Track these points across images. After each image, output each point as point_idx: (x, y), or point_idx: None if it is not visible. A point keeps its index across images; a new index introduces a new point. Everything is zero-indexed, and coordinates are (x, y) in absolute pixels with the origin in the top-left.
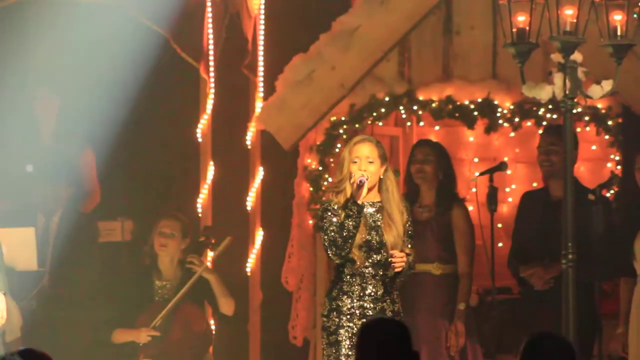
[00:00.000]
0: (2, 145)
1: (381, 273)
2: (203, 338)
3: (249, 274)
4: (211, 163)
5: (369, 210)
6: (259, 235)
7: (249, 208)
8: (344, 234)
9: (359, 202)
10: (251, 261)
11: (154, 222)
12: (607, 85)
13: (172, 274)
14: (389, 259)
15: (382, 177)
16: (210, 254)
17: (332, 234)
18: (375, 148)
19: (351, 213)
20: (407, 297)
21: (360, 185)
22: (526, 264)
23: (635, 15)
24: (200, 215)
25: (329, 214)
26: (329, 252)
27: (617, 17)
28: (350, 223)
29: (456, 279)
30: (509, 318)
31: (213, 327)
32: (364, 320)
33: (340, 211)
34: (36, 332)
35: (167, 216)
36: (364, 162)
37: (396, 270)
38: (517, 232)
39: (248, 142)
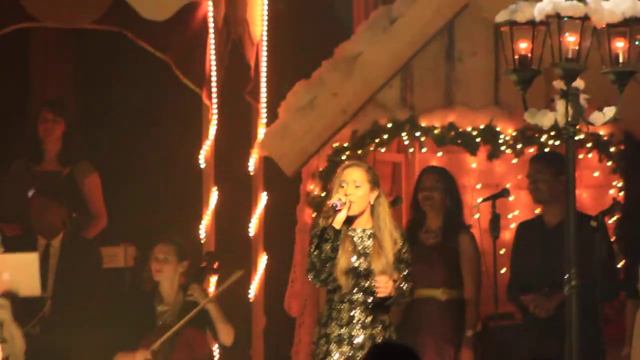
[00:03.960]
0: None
1: (370, 300)
2: None
3: (251, 299)
4: (214, 189)
5: (359, 235)
6: (262, 261)
7: (251, 234)
8: (322, 257)
9: (336, 226)
10: (254, 287)
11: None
12: (609, 112)
13: (174, 299)
14: (372, 283)
15: (372, 203)
16: (213, 280)
17: (313, 257)
18: (365, 173)
19: (327, 237)
20: (413, 322)
21: (334, 209)
22: (526, 293)
23: (637, 43)
24: (202, 240)
25: (314, 239)
26: (308, 276)
27: (619, 45)
28: (327, 247)
29: (462, 304)
30: (511, 344)
31: (216, 352)
32: (353, 347)
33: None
34: (40, 358)
35: (161, 241)
36: (350, 186)
37: (379, 295)
38: (514, 262)
39: (251, 168)
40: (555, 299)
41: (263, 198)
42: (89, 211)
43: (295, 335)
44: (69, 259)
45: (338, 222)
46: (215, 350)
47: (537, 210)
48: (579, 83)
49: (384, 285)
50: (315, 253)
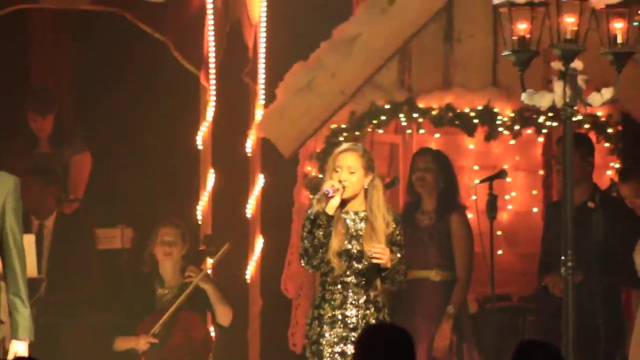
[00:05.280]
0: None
1: (363, 282)
2: (202, 345)
3: (248, 281)
4: (211, 170)
5: (352, 218)
6: (259, 242)
7: (248, 215)
8: (315, 243)
9: (330, 212)
10: (251, 268)
11: (152, 230)
12: (607, 93)
13: (175, 282)
14: (370, 250)
15: (366, 187)
16: (210, 262)
17: (305, 244)
18: (360, 158)
19: (320, 223)
20: (405, 303)
21: (327, 196)
22: (548, 272)
23: (635, 24)
24: (200, 222)
25: (307, 222)
26: (301, 262)
27: (618, 25)
28: (320, 233)
29: (454, 285)
30: (508, 325)
31: (213, 334)
32: (346, 328)
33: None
34: (37, 339)
35: (166, 224)
36: (344, 172)
37: (375, 262)
38: (543, 243)
39: (248, 150)
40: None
41: (260, 179)
42: (67, 189)
43: (292, 317)
44: (63, 240)
45: (331, 207)
46: (212, 332)
47: (535, 192)
48: (577, 64)
49: (380, 252)
50: (308, 239)
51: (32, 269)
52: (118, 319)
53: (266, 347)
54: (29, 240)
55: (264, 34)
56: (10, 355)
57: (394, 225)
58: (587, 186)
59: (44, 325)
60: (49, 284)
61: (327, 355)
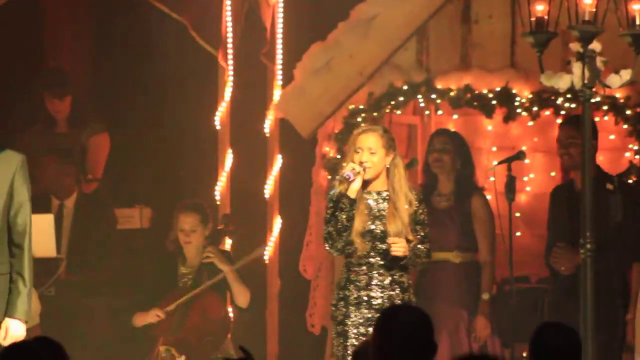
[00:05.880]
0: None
1: (388, 262)
2: (221, 325)
3: (267, 262)
4: (229, 151)
5: (375, 198)
6: (277, 223)
7: (267, 196)
8: (338, 227)
9: (352, 195)
10: (269, 249)
11: (173, 212)
12: (625, 74)
13: (198, 261)
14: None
15: (388, 166)
16: (228, 242)
17: (329, 227)
18: (380, 138)
19: (343, 206)
20: (426, 285)
21: (347, 180)
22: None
23: None
24: (218, 203)
25: (330, 205)
26: (325, 246)
27: (636, 7)
28: (343, 216)
29: (476, 267)
30: (527, 307)
31: (231, 314)
32: (372, 309)
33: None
34: (55, 319)
35: (185, 209)
36: (365, 153)
37: (394, 254)
38: (549, 226)
39: (266, 130)
40: (572, 254)
41: (278, 160)
42: (85, 170)
43: (310, 298)
44: (83, 220)
45: (353, 191)
46: (230, 312)
47: (553, 173)
48: (595, 45)
49: (397, 246)
50: (331, 223)
51: (50, 249)
52: (139, 298)
53: (284, 328)
54: (48, 220)
55: (282, 14)
56: (2, 332)
57: (417, 204)
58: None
59: (64, 305)
60: (68, 263)
61: (352, 336)
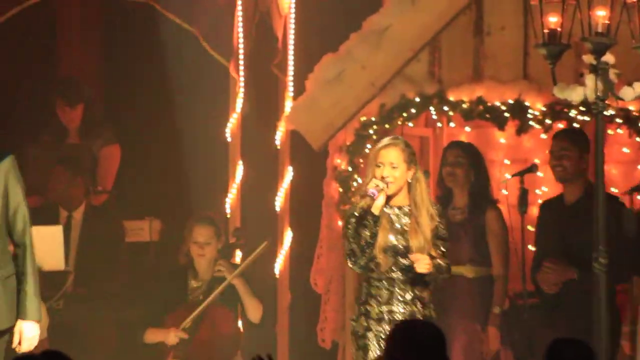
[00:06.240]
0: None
1: (410, 277)
2: (231, 340)
3: (277, 275)
4: (240, 163)
5: (396, 213)
6: (288, 236)
7: (277, 208)
8: (362, 244)
9: (376, 212)
10: (280, 262)
11: (185, 224)
12: (639, 87)
13: (209, 275)
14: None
15: (410, 180)
16: (238, 254)
17: (352, 244)
18: (402, 153)
19: (367, 223)
20: (440, 299)
21: (372, 198)
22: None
23: None
24: (228, 215)
25: (353, 220)
26: (348, 263)
27: None
28: (367, 233)
29: (489, 281)
30: (540, 322)
31: (242, 328)
32: (393, 324)
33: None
34: (63, 332)
35: (199, 221)
36: (387, 168)
37: (419, 271)
38: (537, 241)
39: (277, 142)
40: (560, 273)
41: (289, 172)
42: (95, 181)
43: (321, 311)
44: (91, 232)
45: (377, 207)
46: (241, 326)
47: None
48: (608, 57)
49: (421, 263)
50: (354, 239)
51: (59, 262)
52: (148, 311)
53: (295, 342)
54: (57, 231)
55: (294, 25)
56: (17, 337)
57: (438, 220)
58: (581, 183)
59: (72, 319)
60: (76, 276)
61: (374, 350)
